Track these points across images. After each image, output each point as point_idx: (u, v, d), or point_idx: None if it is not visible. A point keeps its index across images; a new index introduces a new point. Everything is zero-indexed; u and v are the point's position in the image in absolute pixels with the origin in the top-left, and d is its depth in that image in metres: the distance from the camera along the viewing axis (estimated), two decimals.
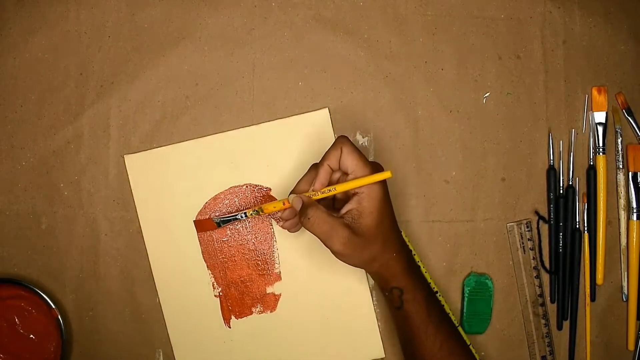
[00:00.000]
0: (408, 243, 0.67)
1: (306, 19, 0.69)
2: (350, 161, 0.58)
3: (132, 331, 0.68)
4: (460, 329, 0.68)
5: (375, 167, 0.59)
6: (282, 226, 0.62)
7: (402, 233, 0.67)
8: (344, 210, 0.58)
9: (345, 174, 0.59)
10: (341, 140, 0.58)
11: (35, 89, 0.68)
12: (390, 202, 0.59)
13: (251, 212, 0.62)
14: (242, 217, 0.63)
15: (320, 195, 0.58)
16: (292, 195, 0.59)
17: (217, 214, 0.67)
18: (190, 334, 0.68)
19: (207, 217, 0.67)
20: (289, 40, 0.69)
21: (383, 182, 0.59)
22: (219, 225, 0.65)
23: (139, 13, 0.68)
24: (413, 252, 0.67)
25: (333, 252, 0.58)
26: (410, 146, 0.68)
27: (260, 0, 0.68)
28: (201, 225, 0.67)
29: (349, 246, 0.57)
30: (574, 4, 0.69)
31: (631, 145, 0.68)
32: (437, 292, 0.67)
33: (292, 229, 0.62)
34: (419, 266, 0.65)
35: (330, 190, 0.58)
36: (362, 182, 0.57)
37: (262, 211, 0.61)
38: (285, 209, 0.60)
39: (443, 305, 0.64)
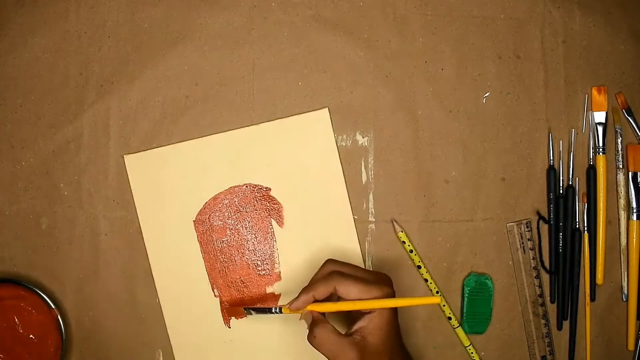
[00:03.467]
0: (409, 243, 0.67)
1: (306, 18, 0.69)
2: (353, 291, 0.55)
3: (132, 331, 0.68)
4: (460, 329, 0.68)
5: (380, 280, 0.56)
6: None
7: (403, 233, 0.67)
8: (355, 327, 0.55)
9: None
10: (332, 275, 0.55)
11: (35, 89, 0.68)
12: (396, 313, 0.57)
13: (287, 306, 0.59)
14: (276, 311, 0.60)
15: (334, 309, 0.56)
16: (305, 311, 0.57)
17: (250, 307, 0.64)
18: (190, 334, 0.68)
19: (239, 306, 0.66)
20: (288, 40, 0.69)
21: (392, 293, 0.56)
22: (249, 313, 0.63)
23: (139, 13, 0.68)
24: (414, 252, 0.67)
25: None
26: (410, 146, 0.68)
27: (260, 0, 0.69)
28: (232, 311, 0.67)
29: None
30: (574, 4, 0.69)
31: (631, 145, 0.68)
32: (437, 292, 0.68)
33: None
34: None
35: (354, 304, 0.55)
36: (405, 302, 0.57)
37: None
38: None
39: None
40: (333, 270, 0.56)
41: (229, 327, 0.68)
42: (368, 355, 0.54)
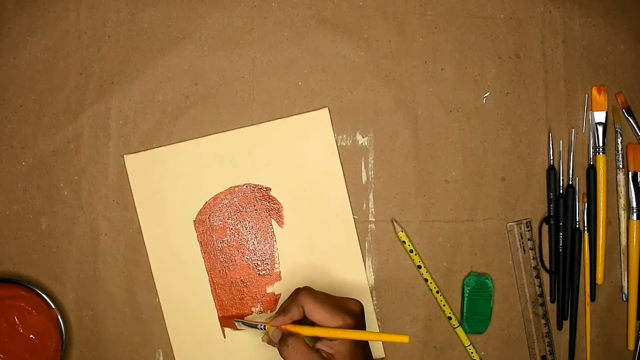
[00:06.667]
0: (409, 243, 0.67)
1: (306, 18, 0.69)
2: (317, 316, 0.57)
3: (132, 331, 0.68)
4: (460, 329, 0.68)
5: (347, 309, 0.58)
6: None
7: (403, 233, 0.67)
8: (317, 346, 0.57)
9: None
10: (302, 297, 0.57)
11: (35, 89, 0.68)
12: (361, 344, 0.58)
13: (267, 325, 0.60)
14: (262, 327, 0.61)
15: (303, 332, 0.57)
16: (274, 328, 0.59)
17: (241, 320, 0.65)
18: (190, 334, 0.68)
19: (232, 318, 0.67)
20: (288, 40, 0.69)
21: (360, 323, 0.58)
22: (239, 326, 0.65)
23: (139, 13, 0.68)
24: (414, 252, 0.67)
25: None
26: (410, 146, 0.68)
27: (260, 0, 0.69)
28: (225, 321, 0.67)
29: None
30: (574, 4, 0.69)
31: (631, 145, 0.68)
32: (438, 291, 0.68)
33: None
34: None
35: (328, 332, 0.56)
36: (371, 337, 0.60)
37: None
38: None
39: None
40: (304, 293, 0.58)
41: (224, 338, 0.68)
42: None
